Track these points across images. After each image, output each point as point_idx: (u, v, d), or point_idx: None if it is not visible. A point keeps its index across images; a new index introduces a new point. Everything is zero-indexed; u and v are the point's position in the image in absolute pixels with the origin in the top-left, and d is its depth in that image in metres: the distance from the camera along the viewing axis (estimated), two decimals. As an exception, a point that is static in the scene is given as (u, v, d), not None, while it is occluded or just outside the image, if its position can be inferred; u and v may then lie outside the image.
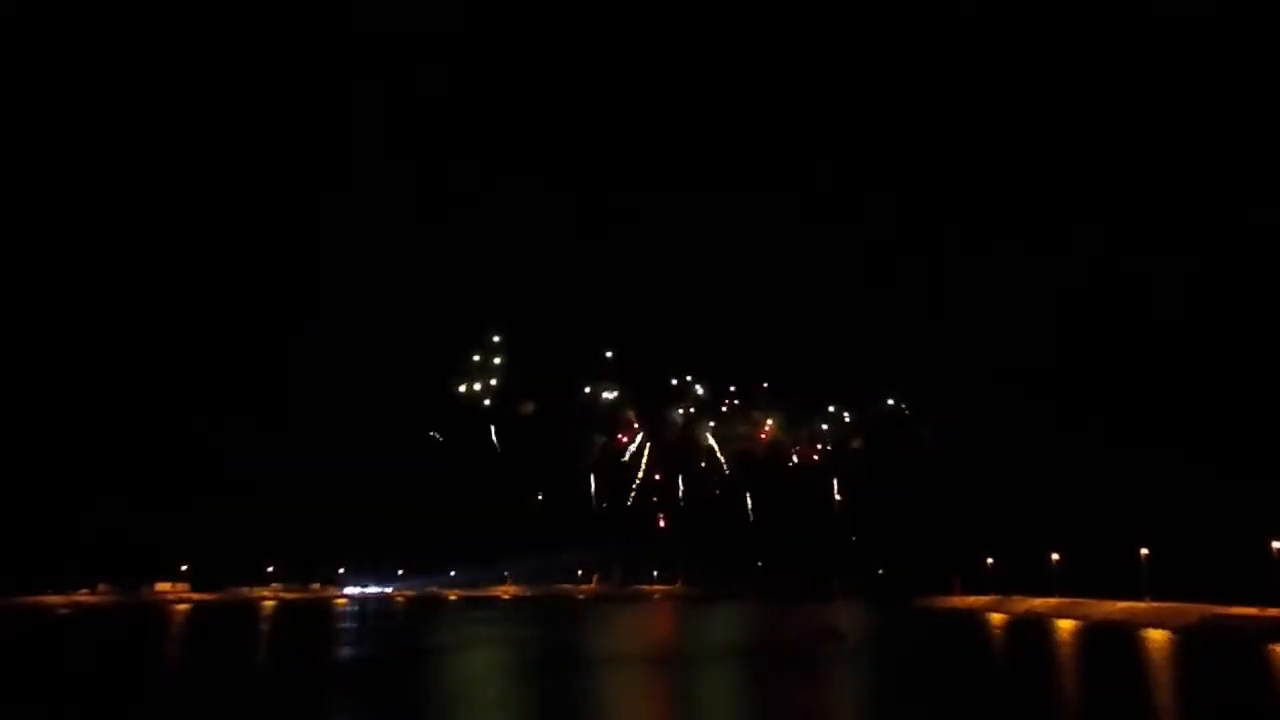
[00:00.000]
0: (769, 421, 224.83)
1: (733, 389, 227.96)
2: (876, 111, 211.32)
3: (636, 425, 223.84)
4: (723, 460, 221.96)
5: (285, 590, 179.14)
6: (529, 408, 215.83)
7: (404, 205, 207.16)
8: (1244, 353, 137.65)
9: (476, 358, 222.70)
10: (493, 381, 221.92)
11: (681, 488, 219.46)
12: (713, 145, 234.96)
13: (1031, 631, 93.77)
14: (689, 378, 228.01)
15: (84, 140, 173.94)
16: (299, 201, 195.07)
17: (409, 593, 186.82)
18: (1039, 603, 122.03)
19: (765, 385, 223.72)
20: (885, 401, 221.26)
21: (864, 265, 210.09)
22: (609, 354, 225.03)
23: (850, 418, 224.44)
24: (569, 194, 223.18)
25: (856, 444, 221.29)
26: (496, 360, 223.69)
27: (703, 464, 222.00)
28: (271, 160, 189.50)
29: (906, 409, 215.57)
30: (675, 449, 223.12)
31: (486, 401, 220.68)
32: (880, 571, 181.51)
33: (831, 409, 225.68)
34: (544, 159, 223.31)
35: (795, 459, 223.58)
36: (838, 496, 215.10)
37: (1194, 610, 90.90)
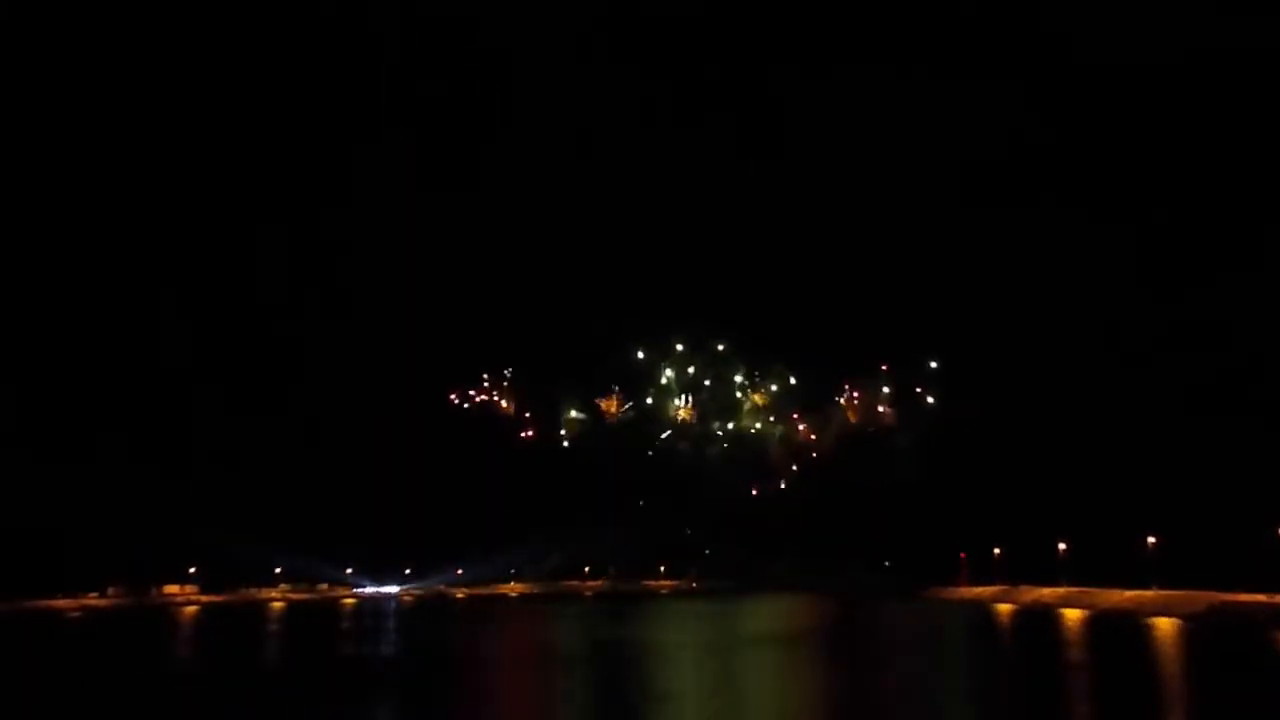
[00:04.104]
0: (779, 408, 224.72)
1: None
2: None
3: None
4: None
5: (293, 591, 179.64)
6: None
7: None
8: (1251, 335, 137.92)
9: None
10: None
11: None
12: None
13: (1038, 621, 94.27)
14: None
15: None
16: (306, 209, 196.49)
17: (417, 591, 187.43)
18: (1046, 592, 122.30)
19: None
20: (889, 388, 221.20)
21: (863, 250, 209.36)
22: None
23: (857, 411, 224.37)
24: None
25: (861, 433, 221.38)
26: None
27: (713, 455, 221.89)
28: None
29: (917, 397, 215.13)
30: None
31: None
32: (886, 563, 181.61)
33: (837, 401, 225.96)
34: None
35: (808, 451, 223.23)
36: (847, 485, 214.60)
37: (1202, 598, 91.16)
